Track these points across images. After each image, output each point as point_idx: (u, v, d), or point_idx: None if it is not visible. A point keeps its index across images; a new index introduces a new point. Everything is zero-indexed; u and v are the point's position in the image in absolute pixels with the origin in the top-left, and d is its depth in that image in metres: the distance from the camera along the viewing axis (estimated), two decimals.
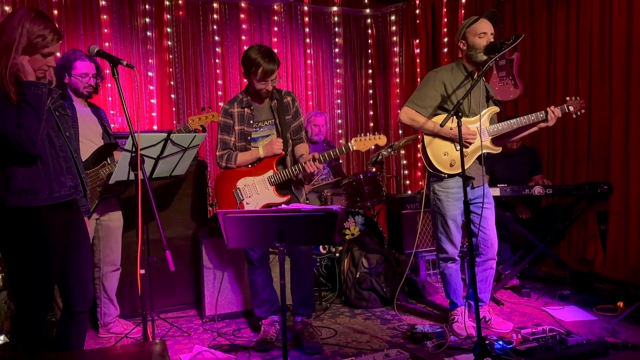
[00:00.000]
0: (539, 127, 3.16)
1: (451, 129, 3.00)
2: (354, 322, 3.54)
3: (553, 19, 4.56)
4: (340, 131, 6.18)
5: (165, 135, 2.95)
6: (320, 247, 4.18)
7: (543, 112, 3.10)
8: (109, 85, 4.53)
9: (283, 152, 3.13)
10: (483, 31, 3.00)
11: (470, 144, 3.08)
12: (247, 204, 3.12)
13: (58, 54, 2.43)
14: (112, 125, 4.07)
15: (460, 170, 2.94)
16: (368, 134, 3.13)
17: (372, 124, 6.35)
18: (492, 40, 2.99)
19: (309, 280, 3.21)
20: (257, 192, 3.13)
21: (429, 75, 3.17)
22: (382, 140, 3.04)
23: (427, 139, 3.13)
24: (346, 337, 3.24)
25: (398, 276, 3.90)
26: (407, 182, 6.16)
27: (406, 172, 6.26)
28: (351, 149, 3.08)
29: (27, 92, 2.05)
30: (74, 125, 2.98)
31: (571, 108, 3.15)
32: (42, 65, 2.12)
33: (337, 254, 4.15)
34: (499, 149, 3.21)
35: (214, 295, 3.61)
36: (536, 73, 4.79)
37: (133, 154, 2.35)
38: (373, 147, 3.13)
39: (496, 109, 3.19)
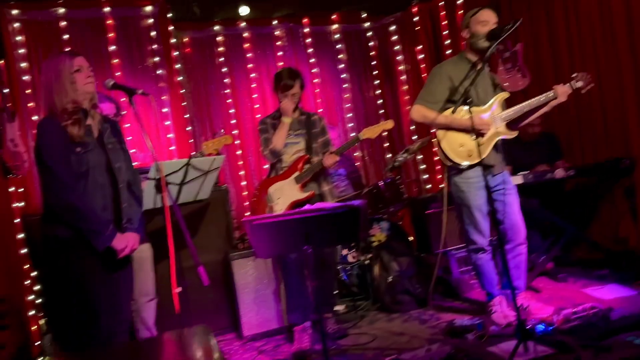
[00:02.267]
0: (550, 106, 3.16)
1: (463, 117, 3.03)
2: (392, 325, 3.53)
3: (550, 3, 4.60)
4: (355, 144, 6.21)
5: (186, 160, 3.04)
6: (349, 256, 4.19)
7: (551, 91, 3.11)
8: (124, 112, 4.69)
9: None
10: (485, 19, 3.06)
11: (485, 132, 3.10)
12: (277, 204, 3.40)
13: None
14: (134, 163, 4.19)
15: (478, 160, 2.97)
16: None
17: (385, 133, 6.38)
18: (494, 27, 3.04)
19: (333, 279, 3.44)
20: (284, 194, 3.40)
21: (434, 71, 3.23)
22: (389, 124, 3.42)
23: (440, 133, 3.16)
24: (386, 340, 3.23)
25: (430, 277, 3.88)
26: (429, 186, 6.15)
27: (426, 176, 6.25)
28: (361, 138, 3.42)
29: None
30: None
31: (580, 83, 3.15)
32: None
33: (367, 262, 4.15)
34: (515, 133, 3.22)
35: (250, 314, 3.64)
36: (541, 60, 4.81)
37: (157, 178, 2.43)
38: (382, 132, 3.50)
39: (505, 94, 3.22)
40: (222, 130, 4.97)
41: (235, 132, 5.63)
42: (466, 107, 2.87)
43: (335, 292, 3.87)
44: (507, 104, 3.26)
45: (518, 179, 3.85)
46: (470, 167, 3.12)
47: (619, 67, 4.05)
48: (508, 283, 2.76)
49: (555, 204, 4.26)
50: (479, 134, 2.99)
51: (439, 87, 3.13)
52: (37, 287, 3.65)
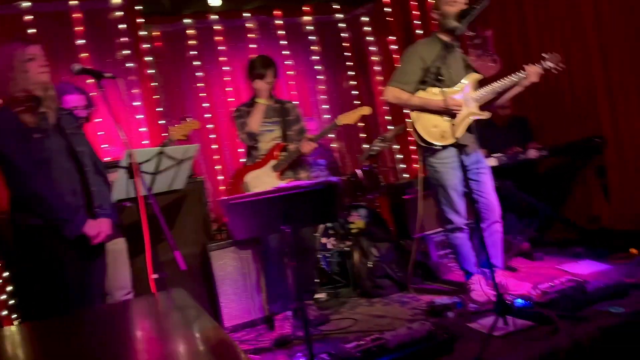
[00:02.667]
0: (523, 86, 3.20)
1: (435, 93, 3.05)
2: (373, 309, 3.53)
3: None
4: (332, 135, 6.22)
5: (158, 149, 2.98)
6: (329, 243, 4.18)
7: (522, 71, 3.15)
8: (94, 107, 4.60)
9: (282, 144, 3.38)
10: None
11: (457, 113, 3.12)
12: None
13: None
14: (107, 159, 4.11)
15: (452, 140, 2.99)
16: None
17: (362, 124, 6.39)
18: (464, 7, 3.06)
19: (313, 265, 3.44)
20: (262, 182, 3.34)
21: (406, 52, 3.24)
22: (366, 110, 3.39)
23: (414, 115, 3.18)
24: (367, 323, 3.23)
25: (410, 261, 3.90)
26: (406, 175, 6.19)
27: (403, 165, 6.29)
28: (339, 124, 3.39)
29: None
30: None
31: (550, 64, 3.20)
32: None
33: (347, 249, 4.15)
34: (487, 114, 3.25)
35: (230, 305, 3.60)
36: (512, 45, 4.86)
37: (129, 164, 2.38)
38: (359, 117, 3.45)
39: (477, 75, 3.25)
40: (190, 117, 4.90)
41: (210, 125, 5.58)
42: (438, 89, 2.89)
43: (315, 280, 3.86)
44: (480, 86, 3.29)
45: (492, 161, 3.89)
46: (444, 147, 3.14)
47: (587, 48, 4.12)
48: (486, 261, 2.79)
49: (529, 186, 4.32)
50: (451, 114, 3.01)
51: (411, 67, 3.14)
52: (9, 288, 3.55)
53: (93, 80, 2.41)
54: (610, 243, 3.89)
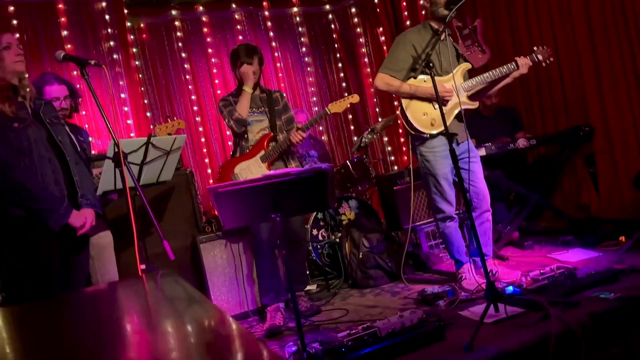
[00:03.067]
0: (512, 77, 3.20)
1: (425, 80, 3.04)
2: (364, 300, 3.52)
3: None
4: (321, 128, 6.20)
5: (145, 139, 2.94)
6: (319, 234, 4.17)
7: (513, 63, 3.15)
8: (79, 99, 4.53)
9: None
10: None
11: (448, 101, 3.11)
12: None
13: (26, 76, 2.46)
14: (93, 152, 4.06)
15: (442, 129, 2.97)
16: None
17: (350, 116, 6.38)
18: None
19: (303, 256, 3.44)
20: (252, 173, 3.30)
21: (397, 39, 3.21)
22: (355, 98, 3.38)
23: (404, 102, 3.15)
24: (358, 313, 3.22)
25: (401, 252, 3.90)
26: (395, 167, 6.18)
27: (392, 158, 6.29)
28: (329, 113, 3.34)
29: None
30: None
31: (540, 57, 3.20)
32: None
33: (337, 240, 4.13)
34: (476, 104, 3.24)
35: (221, 298, 3.57)
36: (500, 35, 4.86)
37: (115, 152, 2.34)
38: (348, 106, 3.41)
39: (467, 65, 3.24)
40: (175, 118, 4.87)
41: (197, 118, 5.53)
42: (428, 76, 2.87)
43: (306, 272, 3.85)
44: (470, 76, 3.28)
45: (481, 151, 3.89)
46: (434, 136, 3.12)
47: (575, 39, 4.13)
48: (477, 249, 2.78)
49: (518, 175, 4.34)
50: (442, 102, 2.99)
51: (402, 54, 3.12)
52: None
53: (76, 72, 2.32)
54: (599, 231, 3.91)
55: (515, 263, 3.62)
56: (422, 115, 3.11)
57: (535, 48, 3.25)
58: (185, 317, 1.01)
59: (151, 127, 4.82)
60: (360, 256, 3.85)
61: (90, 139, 4.49)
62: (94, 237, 3.26)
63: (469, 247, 3.35)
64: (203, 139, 5.54)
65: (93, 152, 4.30)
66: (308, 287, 3.85)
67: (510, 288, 2.80)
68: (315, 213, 4.18)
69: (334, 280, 4.08)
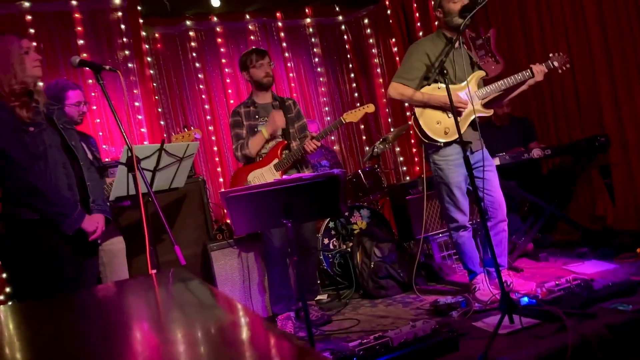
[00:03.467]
0: (528, 85, 3.17)
1: (439, 88, 3.02)
2: (376, 310, 3.48)
3: None
4: (332, 137, 6.20)
5: (159, 145, 2.95)
6: (330, 244, 4.14)
7: (528, 70, 3.12)
8: (95, 107, 4.59)
9: (282, 123, 3.31)
10: None
11: (462, 109, 3.08)
12: None
13: (41, 83, 2.50)
14: (106, 160, 4.10)
15: (456, 137, 2.95)
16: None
17: (362, 126, 6.38)
18: (465, 2, 3.03)
19: (314, 264, 3.41)
20: (265, 180, 3.28)
21: (411, 48, 3.21)
22: (370, 108, 3.31)
23: (417, 110, 3.14)
24: (370, 323, 3.18)
25: (413, 262, 3.85)
26: (407, 178, 6.15)
27: (404, 168, 6.26)
28: (344, 122, 3.33)
29: None
30: None
31: (555, 63, 3.17)
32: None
33: (349, 249, 4.10)
34: (490, 112, 3.22)
35: None
36: (514, 45, 4.84)
37: (129, 157, 2.34)
38: (364, 115, 3.40)
39: (482, 73, 3.21)
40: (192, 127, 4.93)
41: (210, 127, 5.56)
42: (442, 85, 2.86)
43: (317, 281, 3.82)
44: (484, 84, 3.25)
45: (495, 161, 3.84)
46: (448, 144, 3.10)
47: (590, 47, 4.09)
48: (492, 259, 2.74)
49: (533, 186, 4.28)
50: (456, 111, 2.97)
51: (415, 63, 3.10)
52: (8, 289, 3.52)
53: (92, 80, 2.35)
54: (615, 243, 3.83)
55: (530, 274, 3.57)
56: (435, 124, 3.09)
57: (550, 55, 3.22)
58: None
59: (164, 135, 4.86)
60: (372, 266, 3.82)
61: (104, 146, 4.55)
62: (107, 243, 3.28)
63: (483, 257, 3.31)
64: (216, 148, 5.56)
65: (107, 159, 4.34)
66: (319, 297, 3.81)
67: (526, 299, 2.75)
68: (326, 222, 4.16)
69: (345, 290, 4.04)
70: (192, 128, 3.85)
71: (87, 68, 2.45)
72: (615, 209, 4.11)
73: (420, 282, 3.83)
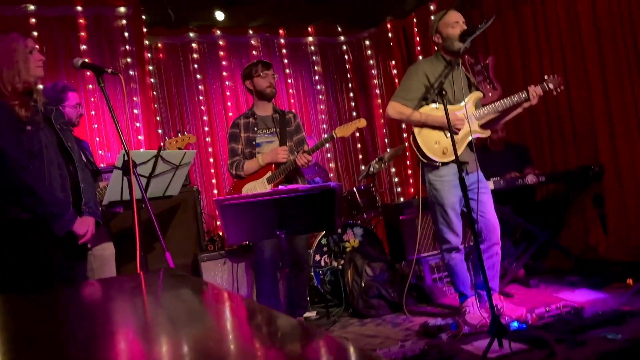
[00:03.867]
0: (523, 107, 3.20)
1: (437, 108, 3.05)
2: (365, 329, 3.45)
3: (520, 18, 4.71)
4: (329, 155, 6.22)
5: (155, 152, 2.95)
6: (322, 260, 4.12)
7: (524, 92, 3.15)
8: (93, 112, 4.58)
9: (284, 160, 3.27)
10: (455, 20, 3.09)
11: (459, 129, 3.10)
12: None
13: (40, 86, 2.51)
14: (101, 165, 4.08)
15: (453, 157, 2.96)
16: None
17: (359, 145, 6.40)
18: (465, 27, 3.07)
19: (305, 280, 3.41)
20: None
21: (410, 69, 3.24)
22: (361, 122, 3.36)
23: (416, 130, 3.16)
24: (359, 342, 3.15)
25: (404, 283, 3.83)
26: (402, 198, 6.16)
27: (399, 189, 6.27)
28: (335, 136, 3.35)
29: None
30: None
31: (551, 85, 3.20)
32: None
33: (340, 267, 4.08)
34: (487, 132, 3.24)
35: None
36: (512, 73, 4.90)
37: (125, 160, 2.34)
38: (355, 130, 3.42)
39: (479, 94, 3.25)
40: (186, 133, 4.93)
41: (208, 139, 5.57)
42: (440, 105, 2.88)
43: (307, 297, 3.79)
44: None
45: (490, 185, 3.86)
46: (445, 164, 3.11)
47: (587, 77, 4.15)
48: (483, 282, 2.73)
49: (526, 212, 4.29)
50: (453, 130, 2.99)
51: (414, 84, 3.13)
52: None
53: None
54: (606, 273, 3.84)
55: (520, 300, 3.55)
56: (433, 144, 3.11)
57: (545, 77, 3.26)
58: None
59: (162, 143, 4.86)
60: (363, 284, 3.79)
61: (100, 152, 4.53)
62: (97, 248, 3.24)
63: (474, 280, 3.30)
64: (212, 159, 5.56)
65: (102, 165, 4.33)
66: (307, 314, 3.78)
67: (515, 324, 2.75)
68: (319, 238, 4.14)
69: (335, 307, 4.00)
70: (185, 133, 3.84)
71: (89, 71, 2.45)
72: (608, 239, 4.12)
73: (410, 303, 3.81)
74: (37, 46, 2.37)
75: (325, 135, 3.57)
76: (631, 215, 3.94)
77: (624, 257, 3.97)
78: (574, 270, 4.00)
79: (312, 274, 4.03)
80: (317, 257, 4.15)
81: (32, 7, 4.45)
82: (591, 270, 3.93)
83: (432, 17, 3.27)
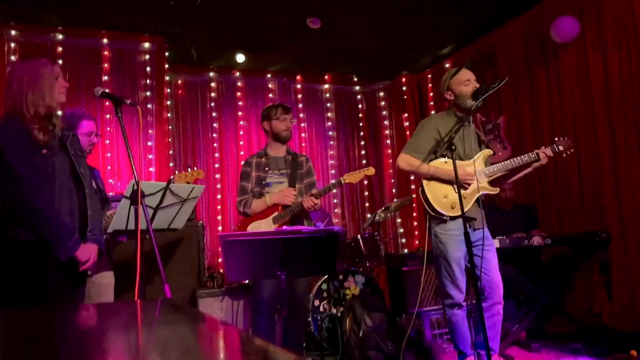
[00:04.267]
0: (533, 167, 3.22)
1: (446, 162, 3.07)
2: None
3: (534, 81, 4.81)
4: (335, 200, 6.23)
5: (165, 184, 2.98)
6: (321, 306, 4.06)
7: (534, 152, 3.18)
8: (107, 142, 4.66)
9: (291, 202, 3.27)
10: (467, 79, 3.15)
11: (469, 184, 3.11)
12: None
13: (60, 112, 2.57)
14: (110, 194, 4.12)
15: (461, 212, 2.96)
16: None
17: (366, 193, 6.42)
18: (477, 85, 3.14)
19: (302, 324, 3.36)
20: None
21: (422, 123, 3.28)
22: (370, 170, 3.34)
23: (425, 182, 3.17)
24: None
25: (403, 335, 3.76)
26: (406, 250, 6.12)
27: (404, 240, 6.24)
28: (343, 182, 3.35)
29: None
30: None
31: (561, 147, 3.22)
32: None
33: (339, 314, 4.02)
34: (496, 190, 3.24)
35: None
36: (523, 134, 4.95)
37: (134, 190, 2.36)
38: (364, 177, 3.42)
39: (489, 151, 3.27)
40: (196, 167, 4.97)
41: (217, 175, 5.62)
42: (447, 159, 2.91)
43: (302, 343, 3.71)
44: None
45: (495, 243, 3.83)
46: (453, 218, 3.10)
47: (597, 143, 4.19)
48: (484, 341, 2.67)
49: (530, 274, 4.24)
50: (462, 186, 3.01)
51: (425, 137, 3.17)
52: None
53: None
54: (610, 342, 3.75)
55: None
56: (442, 198, 3.11)
57: (556, 139, 3.27)
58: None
59: (172, 176, 4.91)
60: (361, 334, 3.72)
61: (110, 180, 4.58)
62: (97, 276, 3.23)
63: (474, 339, 3.22)
64: (219, 196, 5.60)
65: (111, 193, 4.37)
66: None
67: None
68: (319, 283, 4.10)
69: (330, 357, 3.91)
70: (195, 168, 3.89)
71: (108, 101, 2.52)
72: (612, 307, 4.05)
73: (408, 358, 3.72)
74: (61, 72, 2.44)
75: (333, 181, 3.56)
76: (636, 286, 3.88)
77: (628, 327, 3.89)
78: (577, 336, 3.91)
79: (309, 319, 3.97)
80: (317, 303, 4.10)
81: (60, 37, 4.61)
82: (594, 337, 3.84)
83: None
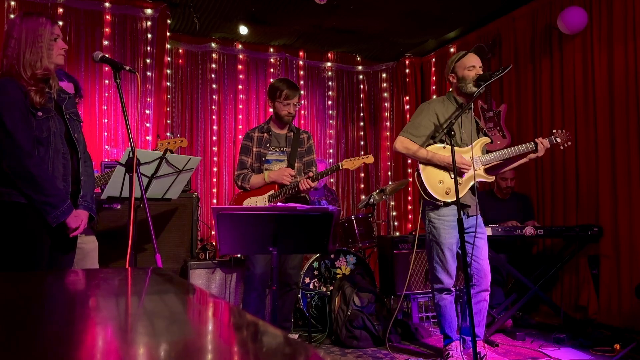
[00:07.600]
0: (529, 157, 3.22)
1: (444, 148, 3.06)
2: (345, 359, 3.40)
3: (537, 71, 4.77)
4: (332, 180, 6.23)
5: (161, 153, 2.96)
6: (311, 284, 4.09)
7: (532, 142, 3.17)
8: (105, 107, 4.61)
9: (288, 182, 3.27)
10: (472, 64, 3.12)
11: (464, 172, 3.11)
12: None
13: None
14: (105, 160, 4.10)
15: (455, 198, 2.96)
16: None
17: (362, 174, 6.42)
18: (480, 72, 3.11)
19: (292, 301, 3.37)
20: None
21: (421, 106, 3.26)
22: (369, 159, 3.32)
23: (421, 166, 3.16)
24: None
25: (390, 316, 3.80)
26: (397, 233, 6.14)
27: (396, 223, 6.26)
28: (341, 168, 3.31)
29: None
30: None
31: (558, 139, 3.22)
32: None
33: (328, 293, 4.05)
34: (492, 178, 3.25)
35: None
36: (523, 123, 4.94)
37: (130, 157, 2.34)
38: (362, 165, 3.38)
39: (487, 139, 3.26)
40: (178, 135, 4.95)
41: (214, 148, 5.59)
42: (447, 145, 2.90)
43: (291, 319, 3.75)
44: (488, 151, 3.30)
45: (488, 231, 3.85)
46: (447, 204, 3.11)
47: (596, 138, 4.18)
48: (469, 328, 2.70)
49: (520, 263, 4.28)
50: (458, 172, 3.00)
51: (424, 121, 3.15)
52: None
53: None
54: (594, 335, 3.80)
55: (504, 351, 3.51)
56: (437, 183, 3.11)
57: (554, 131, 3.27)
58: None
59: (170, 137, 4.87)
60: (349, 313, 3.76)
61: (106, 146, 4.56)
62: (79, 241, 3.22)
63: (461, 324, 3.26)
64: (215, 169, 5.58)
65: (106, 160, 4.34)
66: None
67: None
68: (311, 261, 4.12)
69: (317, 334, 3.96)
70: (178, 136, 3.83)
71: (107, 66, 2.48)
72: (599, 301, 4.09)
73: (394, 339, 3.77)
74: (61, 34, 2.39)
75: (330, 163, 3.54)
76: (624, 282, 3.92)
77: (613, 322, 3.94)
78: (561, 327, 3.96)
79: (299, 295, 4.00)
80: (307, 280, 4.13)
81: None
82: (579, 330, 3.90)
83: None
